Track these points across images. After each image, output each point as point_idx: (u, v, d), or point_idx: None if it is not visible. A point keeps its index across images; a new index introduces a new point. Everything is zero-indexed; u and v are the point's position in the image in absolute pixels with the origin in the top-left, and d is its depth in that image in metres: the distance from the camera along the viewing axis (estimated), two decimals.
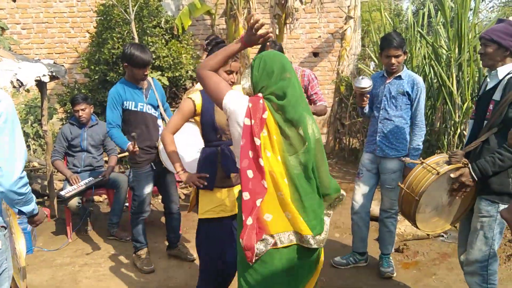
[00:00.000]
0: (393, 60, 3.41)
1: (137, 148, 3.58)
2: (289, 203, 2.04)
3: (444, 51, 6.08)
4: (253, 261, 2.04)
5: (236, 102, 2.09)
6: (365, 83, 3.44)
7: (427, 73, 6.26)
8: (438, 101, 6.12)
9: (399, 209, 3.06)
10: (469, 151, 2.70)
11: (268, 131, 2.05)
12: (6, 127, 1.93)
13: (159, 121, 3.92)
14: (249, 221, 2.01)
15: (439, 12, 6.24)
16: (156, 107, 3.89)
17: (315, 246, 2.08)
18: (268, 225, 2.04)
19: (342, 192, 2.24)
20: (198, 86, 3.57)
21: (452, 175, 2.64)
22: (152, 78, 4.04)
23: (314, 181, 2.12)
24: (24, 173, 1.99)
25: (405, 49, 3.46)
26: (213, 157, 2.78)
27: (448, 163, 2.70)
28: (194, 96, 2.77)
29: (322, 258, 2.30)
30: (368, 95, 3.59)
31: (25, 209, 2.09)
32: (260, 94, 2.11)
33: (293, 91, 2.09)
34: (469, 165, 2.61)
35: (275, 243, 2.05)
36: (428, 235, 4.25)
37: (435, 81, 6.20)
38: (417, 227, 2.86)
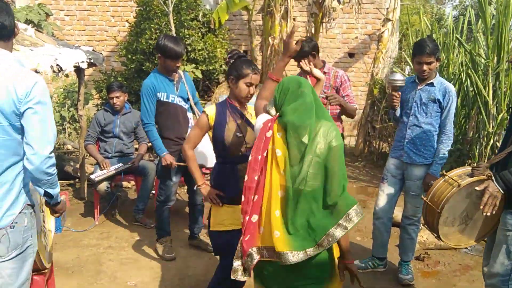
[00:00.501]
0: (425, 67, 3.37)
1: (175, 164, 3.74)
2: (274, 216, 2.09)
3: (482, 60, 5.94)
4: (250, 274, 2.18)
5: (259, 122, 2.31)
6: (398, 76, 3.44)
7: (463, 81, 6.13)
8: (473, 110, 5.99)
9: (423, 221, 3.04)
10: (497, 163, 2.65)
11: (273, 145, 2.14)
12: (39, 109, 2.03)
13: (189, 114, 4.00)
14: (254, 218, 2.14)
15: (480, 19, 6.10)
16: (186, 100, 3.96)
17: (293, 261, 2.05)
18: (260, 238, 2.13)
19: (358, 209, 2.12)
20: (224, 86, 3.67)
21: (477, 188, 2.59)
22: (183, 71, 4.12)
23: (319, 192, 2.12)
24: (53, 154, 2.09)
25: (438, 56, 3.40)
26: (223, 175, 2.83)
27: (471, 175, 2.66)
28: (209, 109, 2.82)
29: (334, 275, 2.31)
30: (400, 93, 3.55)
31: (51, 191, 2.19)
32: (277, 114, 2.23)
33: (303, 101, 2.16)
34: (493, 177, 2.56)
35: (262, 255, 2.13)
36: (455, 249, 4.17)
37: (470, 89, 6.06)
38: (440, 239, 2.83)
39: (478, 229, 2.81)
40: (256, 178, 2.15)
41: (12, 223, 2.09)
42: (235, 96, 2.82)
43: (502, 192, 2.52)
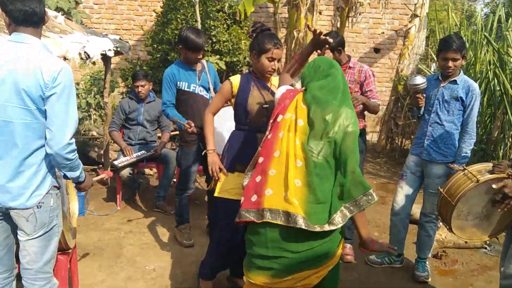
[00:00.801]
0: (450, 63, 3.33)
1: (194, 129, 3.70)
2: (292, 184, 2.14)
3: (510, 59, 5.82)
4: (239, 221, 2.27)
5: (279, 92, 2.38)
6: (418, 80, 3.40)
7: (490, 80, 6.03)
8: (499, 110, 5.89)
9: (437, 212, 3.04)
10: None
11: (296, 115, 2.20)
12: (63, 95, 2.10)
13: None
14: (258, 178, 2.25)
15: (510, 17, 5.97)
16: (207, 89, 4.01)
17: (303, 226, 2.10)
18: (265, 200, 2.17)
19: (373, 194, 2.20)
20: None
21: (494, 186, 2.59)
22: (207, 61, 4.15)
23: (332, 171, 2.18)
24: (73, 140, 2.15)
25: (465, 54, 3.36)
26: (240, 141, 2.84)
27: (491, 172, 2.65)
28: (234, 77, 2.86)
29: (332, 261, 2.29)
30: (424, 94, 3.53)
31: (70, 174, 2.26)
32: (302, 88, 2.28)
33: (332, 80, 2.23)
34: None
35: (263, 216, 2.16)
36: (466, 242, 4.15)
37: (497, 88, 5.95)
38: (452, 232, 2.84)
39: (493, 225, 2.81)
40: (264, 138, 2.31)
41: (39, 203, 2.18)
42: (257, 70, 2.83)
43: None
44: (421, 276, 3.63)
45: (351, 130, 2.18)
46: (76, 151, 2.19)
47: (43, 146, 2.16)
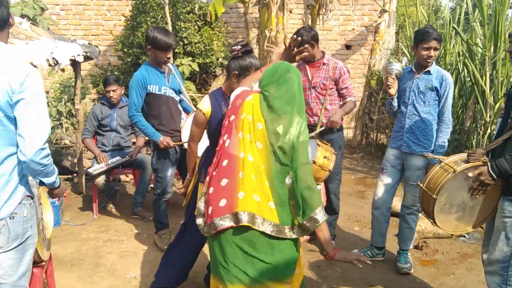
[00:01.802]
0: (432, 53, 3.37)
1: (172, 143, 3.75)
2: (266, 188, 2.15)
3: (479, 49, 5.94)
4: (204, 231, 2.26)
5: (234, 93, 2.44)
6: (396, 65, 3.53)
7: (460, 71, 6.15)
8: (470, 100, 6.00)
9: (420, 208, 3.06)
10: (494, 150, 2.66)
11: (253, 117, 2.21)
12: (33, 100, 2.02)
13: (180, 106, 4.03)
14: (211, 190, 2.24)
15: (477, 9, 6.09)
16: (177, 91, 3.96)
17: (273, 233, 2.11)
18: (239, 203, 2.12)
19: (319, 215, 2.15)
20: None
21: (470, 174, 2.63)
22: (172, 64, 4.10)
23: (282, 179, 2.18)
24: (46, 145, 2.07)
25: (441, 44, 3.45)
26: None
27: (467, 161, 2.68)
28: (203, 105, 2.77)
29: (301, 270, 2.33)
30: (395, 77, 3.56)
31: (46, 180, 2.19)
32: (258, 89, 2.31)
33: (288, 90, 2.24)
34: (488, 163, 2.57)
35: (238, 220, 2.11)
36: (452, 235, 4.21)
37: (468, 79, 6.07)
38: (437, 225, 2.86)
39: (476, 216, 2.83)
40: (220, 142, 2.30)
41: (11, 213, 2.09)
42: (231, 89, 2.73)
43: (496, 178, 2.54)
44: (403, 267, 3.65)
45: (303, 140, 2.18)
46: (50, 156, 2.12)
47: (14, 154, 2.07)
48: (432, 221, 2.88)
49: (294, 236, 2.17)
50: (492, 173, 2.54)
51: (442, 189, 2.71)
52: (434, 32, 3.36)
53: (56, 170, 2.23)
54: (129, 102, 3.80)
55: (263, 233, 2.11)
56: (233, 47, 2.75)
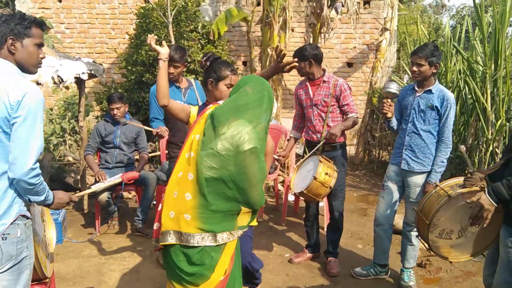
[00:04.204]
0: (415, 68, 3.40)
1: (166, 135, 3.81)
2: (176, 201, 2.19)
3: (480, 67, 5.98)
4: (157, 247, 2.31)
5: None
6: (393, 85, 3.48)
7: (462, 89, 6.18)
8: (472, 117, 6.02)
9: (417, 232, 3.02)
10: (494, 173, 2.58)
11: (199, 134, 2.23)
12: (26, 120, 1.99)
13: None
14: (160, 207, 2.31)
15: (476, 27, 6.16)
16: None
17: (195, 244, 2.14)
18: (162, 223, 2.22)
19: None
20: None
21: (468, 200, 2.54)
22: (195, 79, 4.14)
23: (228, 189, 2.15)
24: (37, 164, 2.03)
25: (431, 61, 3.37)
26: None
27: (463, 186, 2.61)
28: (194, 108, 2.76)
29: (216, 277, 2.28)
30: (391, 101, 3.55)
31: (34, 199, 2.12)
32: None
33: (237, 98, 2.22)
34: (486, 189, 2.47)
35: (163, 239, 2.21)
36: (451, 262, 4.05)
37: (469, 97, 6.09)
38: (432, 251, 2.76)
39: (477, 242, 2.72)
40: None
41: (3, 234, 2.03)
42: (215, 98, 2.73)
43: (495, 204, 2.42)
44: (407, 285, 3.63)
45: (249, 148, 2.10)
46: (40, 175, 2.07)
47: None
48: (427, 247, 2.82)
49: (208, 243, 2.17)
50: (489, 199, 2.42)
51: (436, 214, 2.64)
52: (420, 49, 3.39)
53: (47, 188, 2.17)
54: (150, 110, 4.01)
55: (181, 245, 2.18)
56: (200, 62, 2.82)
